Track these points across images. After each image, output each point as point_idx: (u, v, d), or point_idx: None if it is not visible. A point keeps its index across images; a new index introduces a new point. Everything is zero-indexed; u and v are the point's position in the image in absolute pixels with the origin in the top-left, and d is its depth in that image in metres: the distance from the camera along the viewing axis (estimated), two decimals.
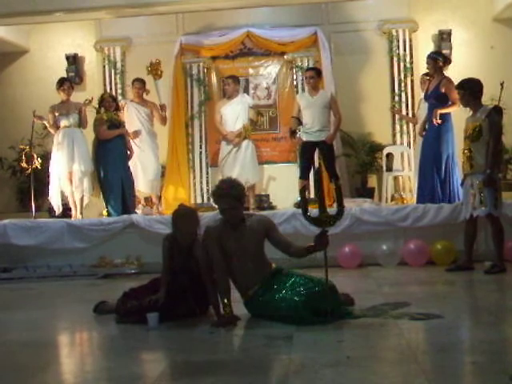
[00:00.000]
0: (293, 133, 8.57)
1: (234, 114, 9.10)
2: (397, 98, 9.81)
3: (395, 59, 9.84)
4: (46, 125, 8.64)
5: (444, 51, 9.23)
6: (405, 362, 3.38)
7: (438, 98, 7.47)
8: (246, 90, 9.82)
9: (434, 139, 7.50)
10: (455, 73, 8.32)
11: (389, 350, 3.75)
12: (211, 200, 9.44)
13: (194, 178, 9.80)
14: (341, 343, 3.85)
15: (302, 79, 9.38)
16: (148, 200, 9.32)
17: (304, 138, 8.50)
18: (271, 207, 9.09)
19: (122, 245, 7.65)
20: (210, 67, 10.00)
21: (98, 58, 10.36)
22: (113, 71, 10.22)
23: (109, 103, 8.49)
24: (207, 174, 9.80)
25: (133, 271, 7.40)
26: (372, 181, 9.90)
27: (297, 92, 9.60)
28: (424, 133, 7.73)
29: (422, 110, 8.20)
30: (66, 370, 3.78)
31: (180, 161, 9.65)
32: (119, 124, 8.50)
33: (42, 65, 10.74)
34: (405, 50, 9.82)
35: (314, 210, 4.61)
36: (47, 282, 7.23)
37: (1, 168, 10.64)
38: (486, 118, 6.30)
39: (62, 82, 8.56)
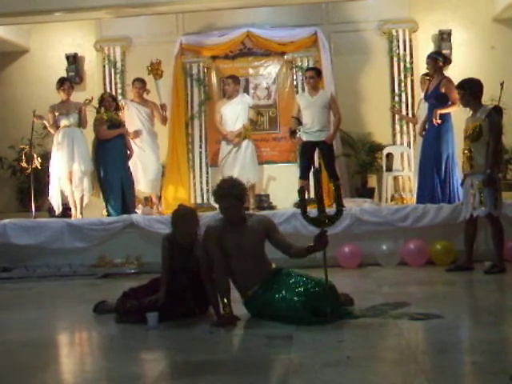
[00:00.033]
0: (293, 133, 8.57)
1: (233, 113, 9.10)
2: (397, 98, 9.81)
3: (395, 59, 9.84)
4: (46, 124, 8.65)
5: (444, 51, 9.23)
6: (404, 362, 3.38)
7: (437, 98, 7.47)
8: (246, 90, 9.82)
9: (433, 139, 7.50)
10: (455, 73, 8.32)
11: (388, 350, 3.76)
12: (211, 200, 9.51)
13: (194, 177, 9.80)
14: (341, 343, 3.85)
15: (302, 79, 9.38)
16: (148, 200, 9.33)
17: (304, 138, 8.50)
18: (271, 207, 9.09)
19: (122, 244, 7.65)
20: (210, 67, 10.00)
21: (98, 57, 10.36)
22: (113, 71, 10.22)
23: (109, 103, 8.49)
24: (207, 173, 9.80)
25: (132, 271, 7.39)
26: (372, 181, 9.89)
27: (297, 92, 9.60)
28: (424, 133, 7.73)
29: (422, 110, 8.20)
30: (66, 370, 3.78)
31: (180, 161, 9.65)
32: (119, 124, 8.51)
33: (42, 64, 10.74)
34: (405, 50, 9.81)
35: (313, 210, 4.61)
36: (47, 282, 7.23)
37: (1, 168, 10.63)
38: (486, 118, 6.30)
39: (62, 82, 8.57)
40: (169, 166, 9.60)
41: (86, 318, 5.01)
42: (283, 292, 4.44)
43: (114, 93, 9.68)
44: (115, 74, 10.21)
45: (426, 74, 8.21)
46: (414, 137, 9.40)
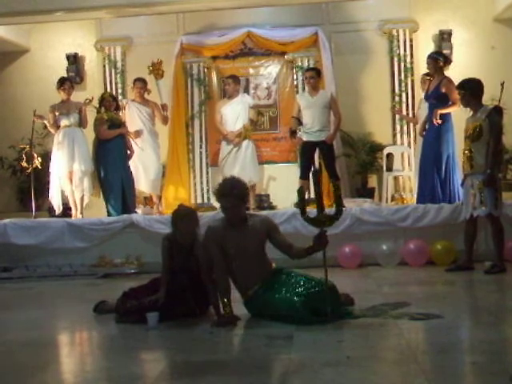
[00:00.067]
0: (293, 133, 8.57)
1: (234, 113, 9.10)
2: (397, 98, 9.81)
3: (396, 59, 9.84)
4: (47, 124, 8.65)
5: (444, 51, 9.22)
6: (405, 362, 3.38)
7: (438, 98, 7.47)
8: (247, 90, 9.82)
9: (434, 139, 7.50)
10: (456, 73, 8.32)
11: (389, 350, 3.75)
12: (211, 200, 9.52)
13: (195, 177, 9.80)
14: (341, 343, 3.85)
15: (303, 79, 9.37)
16: (148, 200, 9.33)
17: (304, 138, 8.50)
18: (271, 207, 9.09)
19: (122, 244, 7.65)
20: (210, 67, 10.00)
21: (99, 57, 10.36)
22: (113, 71, 10.22)
23: (109, 103, 8.49)
24: (207, 173, 9.80)
25: (133, 271, 7.39)
26: (372, 181, 9.89)
27: (297, 92, 9.60)
28: (424, 133, 7.73)
29: (423, 110, 8.21)
30: (66, 370, 3.78)
31: (180, 160, 9.65)
32: (119, 124, 8.51)
33: (43, 64, 10.74)
34: (405, 50, 9.82)
35: (313, 211, 4.60)
36: (47, 282, 7.24)
37: (1, 167, 10.63)
38: (487, 118, 6.30)
39: (62, 82, 8.57)
40: (169, 166, 9.60)
41: (87, 318, 5.01)
42: (283, 292, 4.43)
43: (114, 93, 9.68)
44: (115, 73, 10.21)
45: (427, 74, 8.21)
46: (415, 137, 9.40)
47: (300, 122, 8.51)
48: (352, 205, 7.97)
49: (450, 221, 7.22)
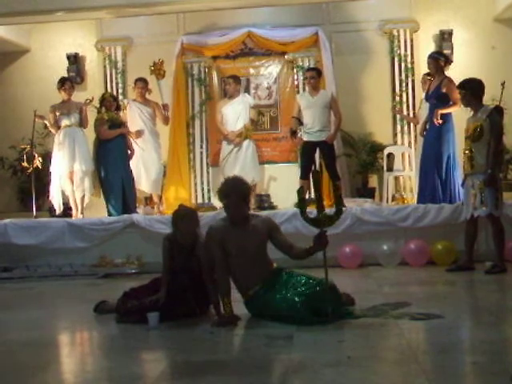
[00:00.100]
0: (293, 133, 8.56)
1: (234, 113, 9.10)
2: (398, 98, 9.81)
3: (396, 59, 9.84)
4: (47, 124, 8.65)
5: (445, 51, 9.23)
6: (405, 362, 3.38)
7: (439, 98, 7.46)
8: (247, 90, 9.81)
9: (434, 139, 7.50)
10: (456, 73, 8.31)
11: (389, 350, 3.75)
12: (212, 200, 9.53)
13: (195, 177, 9.79)
14: (341, 343, 3.85)
15: (303, 79, 9.37)
16: (149, 199, 9.33)
17: (305, 138, 8.50)
18: (272, 207, 9.08)
19: (123, 244, 7.66)
20: (210, 67, 9.99)
21: (99, 57, 10.37)
22: (114, 71, 10.23)
23: (110, 103, 8.49)
24: (208, 173, 9.80)
25: (133, 271, 7.40)
26: (373, 181, 9.89)
27: (298, 92, 9.59)
28: (425, 133, 7.73)
29: (423, 110, 8.21)
30: (67, 370, 3.78)
31: (181, 160, 9.65)
32: (120, 124, 8.51)
33: (43, 64, 10.74)
34: (406, 50, 9.82)
35: (313, 211, 4.60)
36: (48, 282, 7.24)
37: (2, 168, 10.64)
38: (487, 118, 6.30)
39: (63, 82, 8.58)
40: (170, 166, 9.59)
41: (87, 318, 5.01)
42: (284, 292, 4.43)
43: (114, 93, 9.69)
44: (116, 73, 10.22)
45: (428, 74, 8.21)
46: (415, 137, 9.40)
47: (300, 122, 8.51)
48: (352, 205, 7.97)
49: (450, 221, 7.22)
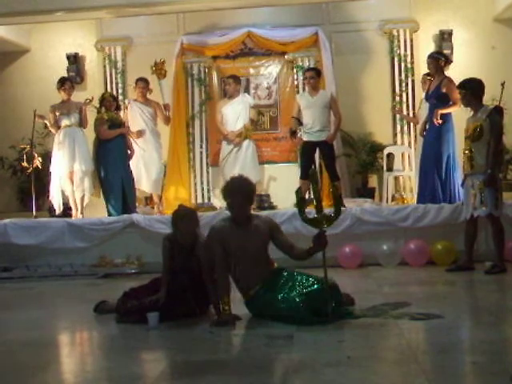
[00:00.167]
0: (293, 133, 8.56)
1: (234, 113, 9.11)
2: (398, 98, 9.82)
3: (396, 59, 9.85)
4: (47, 124, 8.65)
5: (445, 51, 9.23)
6: (405, 362, 3.38)
7: (439, 98, 7.47)
8: (247, 90, 9.82)
9: (434, 139, 7.50)
10: (456, 73, 8.32)
11: (389, 350, 3.76)
12: (212, 200, 9.53)
13: (195, 177, 9.80)
14: (341, 343, 3.85)
15: (303, 79, 9.36)
16: (149, 199, 9.33)
17: (304, 138, 8.49)
18: (272, 207, 9.08)
19: (123, 244, 7.65)
20: (210, 67, 10.00)
21: (99, 57, 10.37)
22: (113, 71, 10.23)
23: (109, 103, 8.49)
24: (208, 173, 9.80)
25: (133, 271, 7.39)
26: (373, 181, 9.90)
27: (297, 92, 9.59)
28: (425, 133, 7.73)
29: (423, 110, 8.21)
30: (66, 370, 3.78)
31: (181, 160, 9.65)
32: (120, 124, 8.51)
33: (43, 64, 10.75)
34: (406, 50, 9.82)
35: (312, 211, 4.60)
36: (48, 282, 7.24)
37: (1, 167, 10.64)
38: (487, 118, 6.30)
39: (62, 82, 8.57)
40: (170, 166, 9.59)
41: (87, 318, 5.01)
42: (285, 292, 4.44)
43: (114, 92, 9.68)
44: (116, 73, 10.22)
45: (428, 74, 8.21)
46: (415, 137, 9.41)
47: (300, 122, 8.51)
48: (352, 205, 7.98)
49: (450, 221, 7.22)
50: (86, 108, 8.58)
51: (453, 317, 4.41)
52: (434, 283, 6.16)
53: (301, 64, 9.77)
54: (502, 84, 7.69)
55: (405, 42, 9.82)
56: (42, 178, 9.10)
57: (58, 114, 8.45)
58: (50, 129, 8.70)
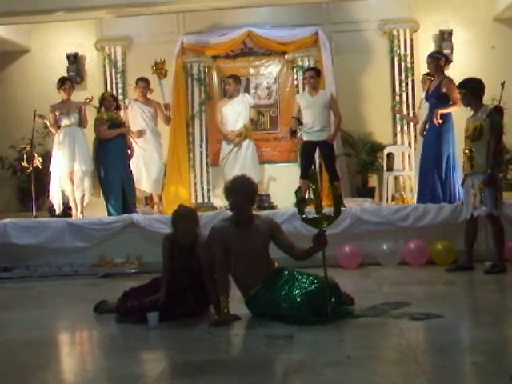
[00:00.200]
0: (293, 133, 8.56)
1: (234, 113, 9.11)
2: (398, 98, 9.82)
3: (396, 59, 9.85)
4: (47, 124, 8.65)
5: (445, 51, 9.24)
6: (405, 362, 3.38)
7: (439, 98, 7.47)
8: (247, 90, 9.82)
9: (434, 139, 7.50)
10: (456, 72, 8.31)
11: (389, 350, 3.76)
12: (212, 199, 9.53)
13: (195, 177, 9.80)
14: (341, 343, 3.85)
15: (303, 79, 9.36)
16: (149, 199, 9.33)
17: (305, 138, 8.49)
18: (272, 207, 9.08)
19: (123, 244, 7.66)
20: (210, 67, 10.00)
21: (99, 57, 10.37)
22: (113, 70, 10.23)
23: (109, 102, 8.49)
24: (208, 173, 9.80)
25: (133, 271, 7.40)
26: (373, 180, 9.90)
27: (297, 92, 9.59)
28: (425, 133, 7.73)
29: (423, 110, 8.21)
30: (67, 369, 3.79)
31: (181, 160, 9.65)
32: (120, 123, 8.51)
33: (43, 64, 10.74)
34: (406, 49, 9.82)
35: (312, 211, 4.60)
36: (48, 282, 7.24)
37: (1, 167, 10.63)
38: (487, 118, 6.30)
39: (62, 82, 8.57)
40: (170, 166, 9.59)
41: (87, 318, 5.01)
42: (285, 292, 4.44)
43: (114, 92, 9.68)
44: (116, 73, 10.22)
45: (428, 74, 8.21)
46: (415, 136, 9.41)
47: (300, 122, 8.50)
48: (352, 204, 7.97)
49: (450, 221, 7.22)
50: (85, 108, 8.58)
51: (453, 317, 4.41)
52: (434, 283, 6.16)
53: (301, 64, 9.77)
54: (502, 84, 7.69)
55: (405, 41, 9.82)
56: (41, 177, 9.09)
57: (57, 113, 8.45)
58: (50, 129, 8.70)
